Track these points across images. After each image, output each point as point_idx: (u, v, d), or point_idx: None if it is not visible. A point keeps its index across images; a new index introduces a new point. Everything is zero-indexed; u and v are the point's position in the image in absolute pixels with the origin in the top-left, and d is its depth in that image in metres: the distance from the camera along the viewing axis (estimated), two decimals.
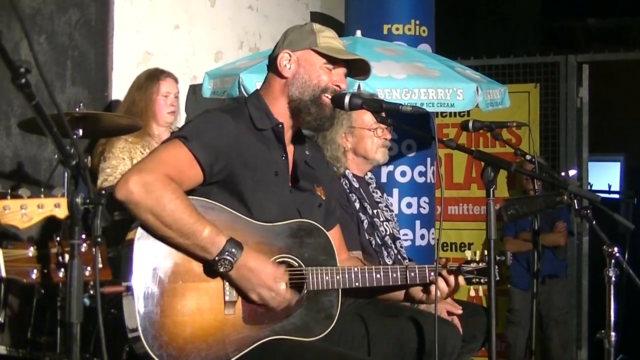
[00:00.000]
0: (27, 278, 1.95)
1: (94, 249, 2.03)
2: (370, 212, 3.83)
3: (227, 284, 2.77)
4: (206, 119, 2.93)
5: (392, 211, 4.13)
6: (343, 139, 3.95)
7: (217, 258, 2.69)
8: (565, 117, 7.11)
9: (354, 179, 3.90)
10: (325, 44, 3.02)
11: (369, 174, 4.09)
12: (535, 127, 6.86)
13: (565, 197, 3.31)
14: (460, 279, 3.23)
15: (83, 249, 2.03)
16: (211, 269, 2.73)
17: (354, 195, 3.82)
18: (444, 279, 3.16)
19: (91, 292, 2.80)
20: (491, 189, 3.01)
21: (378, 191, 4.03)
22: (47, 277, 1.97)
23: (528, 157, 3.97)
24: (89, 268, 2.05)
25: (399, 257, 3.85)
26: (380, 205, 3.97)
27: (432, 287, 3.17)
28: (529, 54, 7.45)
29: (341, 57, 3.02)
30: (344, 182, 3.83)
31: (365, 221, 3.78)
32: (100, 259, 2.10)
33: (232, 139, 2.87)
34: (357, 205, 3.80)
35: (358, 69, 3.10)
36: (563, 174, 6.78)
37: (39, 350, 4.12)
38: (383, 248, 3.79)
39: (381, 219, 3.89)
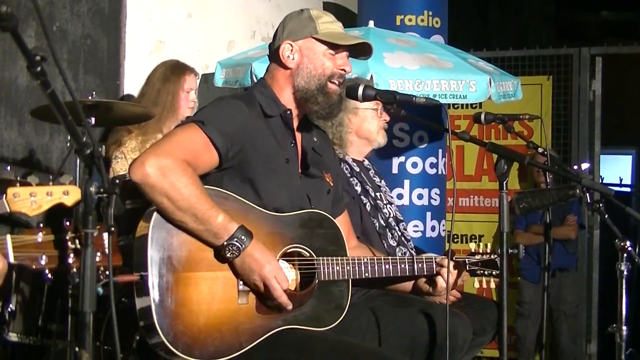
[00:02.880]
0: (36, 264, 1.95)
1: (107, 237, 2.02)
2: (372, 194, 3.82)
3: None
4: (221, 105, 2.95)
5: (392, 197, 4.12)
6: (349, 120, 3.93)
7: (225, 243, 2.70)
8: (577, 110, 7.08)
9: (354, 164, 3.89)
10: (326, 30, 3.01)
11: (367, 161, 4.09)
12: (548, 120, 6.84)
13: (578, 191, 3.30)
14: (464, 272, 3.25)
15: (94, 234, 2.03)
16: (219, 254, 2.74)
17: (355, 179, 3.81)
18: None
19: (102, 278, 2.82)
20: (504, 182, 3.01)
21: (377, 177, 4.03)
22: (56, 263, 1.97)
23: (540, 149, 3.96)
24: (99, 254, 2.05)
25: (403, 238, 3.84)
26: (381, 189, 3.96)
27: (437, 279, 3.20)
28: (542, 46, 7.42)
29: (343, 43, 3.02)
30: (344, 167, 3.82)
31: (368, 204, 3.78)
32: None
33: (246, 125, 2.89)
34: (359, 188, 3.80)
35: (360, 50, 3.09)
36: (575, 167, 6.74)
37: (50, 338, 4.12)
38: (387, 230, 3.79)
39: (384, 202, 3.88)
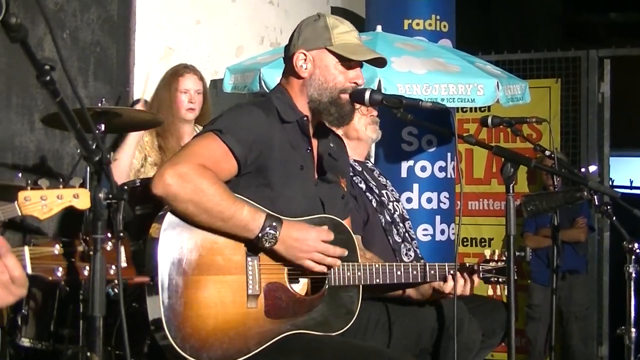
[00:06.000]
0: (52, 275, 1.97)
1: (117, 244, 2.05)
2: (377, 191, 3.83)
3: (250, 277, 2.79)
4: (238, 112, 2.96)
5: (398, 196, 4.12)
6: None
7: (260, 234, 2.73)
8: (586, 113, 7.09)
9: (356, 164, 3.90)
10: (341, 41, 3.00)
11: (370, 163, 4.09)
12: (556, 123, 6.84)
13: (585, 193, 3.30)
14: (475, 277, 3.25)
15: (108, 248, 2.05)
16: (255, 246, 2.76)
17: (357, 177, 3.82)
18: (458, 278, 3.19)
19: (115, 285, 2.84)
20: (511, 185, 3.02)
21: (382, 177, 4.04)
22: (72, 275, 2.00)
23: (547, 152, 3.97)
24: (113, 267, 2.06)
25: (407, 235, 3.85)
26: (387, 187, 3.97)
27: (442, 284, 3.21)
28: (550, 48, 7.43)
29: (356, 58, 3.01)
30: None
31: (373, 200, 3.79)
32: (124, 257, 2.11)
33: (264, 132, 2.90)
34: (363, 186, 3.81)
35: (375, 60, 3.08)
36: (583, 170, 6.76)
37: (62, 343, 4.15)
38: (392, 226, 3.80)
39: (390, 199, 3.89)
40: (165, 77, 4.83)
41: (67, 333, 4.12)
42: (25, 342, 4.15)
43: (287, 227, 2.77)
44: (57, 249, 1.99)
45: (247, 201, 2.81)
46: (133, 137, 4.53)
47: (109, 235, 2.04)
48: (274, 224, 2.74)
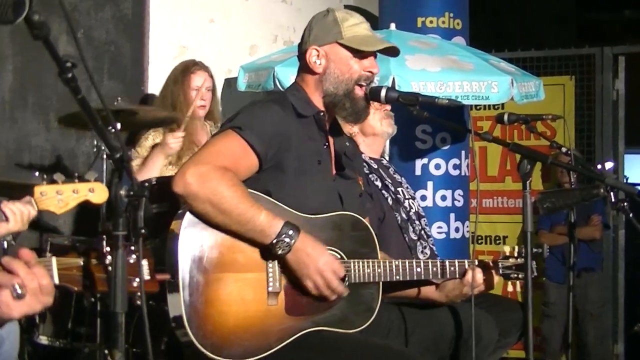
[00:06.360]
0: (78, 286, 1.99)
1: (138, 241, 2.05)
2: (392, 189, 3.84)
3: (270, 274, 2.79)
4: (256, 108, 2.97)
5: (414, 193, 4.12)
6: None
7: (274, 240, 2.72)
8: (601, 110, 7.06)
9: (372, 162, 3.90)
10: (351, 34, 3.00)
11: (385, 161, 4.09)
12: (571, 120, 6.82)
13: (602, 190, 3.29)
14: (494, 274, 3.25)
15: (131, 261, 2.05)
16: (261, 257, 2.76)
17: (373, 175, 3.82)
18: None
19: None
20: (527, 182, 3.02)
21: (398, 175, 4.04)
22: (97, 286, 2.01)
23: (564, 149, 3.95)
24: (137, 280, 2.07)
25: (423, 233, 3.85)
26: (402, 185, 3.97)
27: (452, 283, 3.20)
28: (564, 46, 7.40)
29: (367, 49, 3.01)
30: None
31: (389, 197, 3.79)
32: (147, 269, 2.12)
33: (282, 127, 2.90)
34: (379, 184, 3.81)
35: (386, 50, 3.08)
36: (600, 166, 6.74)
37: (79, 341, 4.17)
38: (408, 224, 3.79)
39: (405, 196, 3.89)
40: (176, 73, 4.82)
41: (84, 331, 4.14)
42: (43, 340, 4.19)
43: (303, 239, 2.76)
44: (82, 260, 2.01)
45: (276, 202, 2.82)
46: (159, 162, 4.51)
47: (132, 248, 2.04)
48: (291, 232, 2.73)
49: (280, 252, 2.74)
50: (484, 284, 3.24)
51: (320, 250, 2.80)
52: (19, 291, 1.75)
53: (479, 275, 3.19)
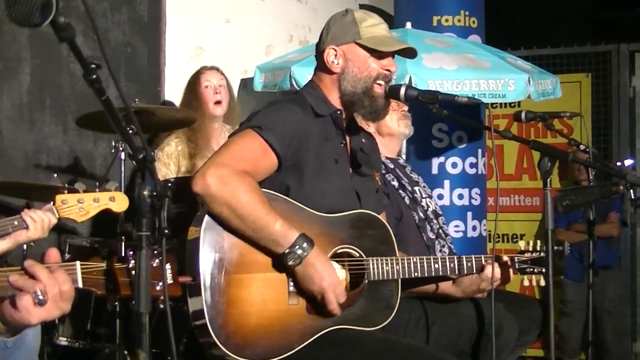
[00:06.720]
0: (101, 290, 2.00)
1: (161, 241, 2.06)
2: (409, 188, 3.84)
3: (290, 274, 2.79)
4: (275, 108, 2.98)
5: (431, 192, 4.11)
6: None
7: (287, 251, 2.71)
8: (617, 107, 7.04)
9: (388, 161, 3.90)
10: (369, 34, 3.00)
11: (402, 160, 4.10)
12: (587, 118, 6.79)
13: (622, 187, 3.28)
14: (510, 270, 3.24)
15: (154, 265, 2.06)
16: (279, 262, 2.76)
17: (390, 175, 3.81)
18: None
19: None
20: (548, 179, 3.01)
21: (414, 174, 4.04)
22: (120, 291, 2.02)
23: (582, 147, 3.94)
24: (160, 284, 2.08)
25: (441, 231, 3.85)
26: (419, 184, 3.97)
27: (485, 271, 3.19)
28: (580, 43, 7.39)
29: (384, 50, 3.01)
30: None
31: (406, 197, 3.79)
32: (170, 273, 2.13)
33: (300, 126, 2.91)
34: (396, 183, 3.81)
35: (403, 52, 3.08)
36: (619, 164, 6.71)
37: (99, 342, 4.20)
38: (426, 223, 3.79)
39: (423, 195, 3.89)
40: (189, 80, 4.89)
41: (104, 332, 4.17)
42: (63, 341, 4.21)
43: (315, 255, 2.75)
44: (105, 264, 2.02)
45: (294, 202, 2.83)
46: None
47: (155, 252, 2.05)
48: (305, 245, 2.73)
49: (290, 262, 2.73)
50: (500, 279, 3.23)
51: (329, 270, 2.79)
52: (41, 297, 1.74)
53: (497, 270, 3.18)
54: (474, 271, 3.20)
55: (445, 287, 3.31)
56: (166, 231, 2.07)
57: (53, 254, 1.84)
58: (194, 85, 4.81)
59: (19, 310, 1.73)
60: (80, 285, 1.93)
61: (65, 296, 1.79)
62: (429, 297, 3.36)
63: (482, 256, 3.23)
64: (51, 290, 1.75)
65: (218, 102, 4.76)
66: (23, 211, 3.27)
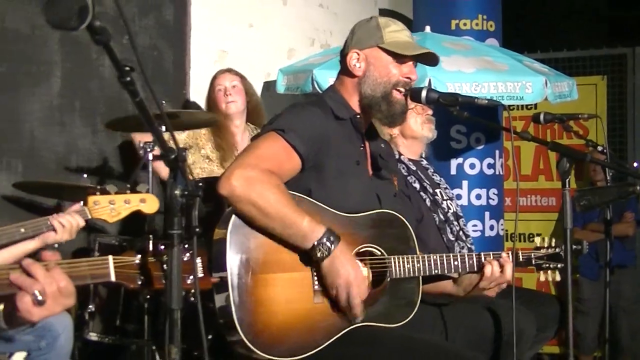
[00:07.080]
0: (133, 283, 2.05)
1: (193, 240, 2.11)
2: (430, 190, 3.88)
3: (315, 273, 2.82)
4: (297, 110, 3.01)
5: (452, 194, 4.16)
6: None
7: (316, 243, 2.74)
8: (633, 109, 7.09)
9: (410, 163, 3.94)
10: (392, 39, 3.05)
11: (425, 162, 4.14)
12: (603, 119, 6.82)
13: (638, 187, 3.33)
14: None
15: (185, 258, 2.10)
16: (304, 261, 2.80)
17: (412, 177, 3.86)
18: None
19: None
20: (567, 180, 3.06)
21: (437, 175, 4.09)
22: (151, 285, 2.08)
23: (599, 148, 3.99)
24: (191, 277, 2.11)
25: (462, 233, 3.89)
26: (441, 186, 4.03)
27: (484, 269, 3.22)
28: (596, 45, 7.43)
29: (407, 54, 3.05)
30: (400, 167, 3.84)
31: (427, 199, 3.83)
32: (200, 266, 2.16)
33: (322, 128, 2.95)
34: (417, 185, 3.86)
35: (426, 58, 3.12)
36: (636, 164, 6.76)
37: (127, 337, 4.30)
38: (446, 225, 3.83)
39: (444, 197, 3.95)
40: (208, 88, 5.02)
41: (132, 328, 4.27)
42: (93, 336, 4.32)
43: (342, 249, 2.79)
44: (138, 258, 2.08)
45: (317, 203, 2.87)
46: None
47: (186, 246, 2.09)
48: (332, 238, 2.76)
49: (319, 254, 2.76)
50: (500, 278, 3.21)
51: (355, 265, 2.83)
52: (40, 298, 1.78)
53: (497, 268, 3.19)
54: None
55: (447, 287, 3.34)
56: (197, 230, 2.13)
57: (48, 255, 1.87)
58: (209, 91, 4.97)
59: (20, 311, 1.78)
60: (113, 279, 1.99)
61: (64, 292, 1.82)
62: (447, 304, 3.38)
63: (501, 252, 3.24)
64: (49, 289, 1.79)
65: (229, 102, 4.89)
66: (52, 216, 3.37)
